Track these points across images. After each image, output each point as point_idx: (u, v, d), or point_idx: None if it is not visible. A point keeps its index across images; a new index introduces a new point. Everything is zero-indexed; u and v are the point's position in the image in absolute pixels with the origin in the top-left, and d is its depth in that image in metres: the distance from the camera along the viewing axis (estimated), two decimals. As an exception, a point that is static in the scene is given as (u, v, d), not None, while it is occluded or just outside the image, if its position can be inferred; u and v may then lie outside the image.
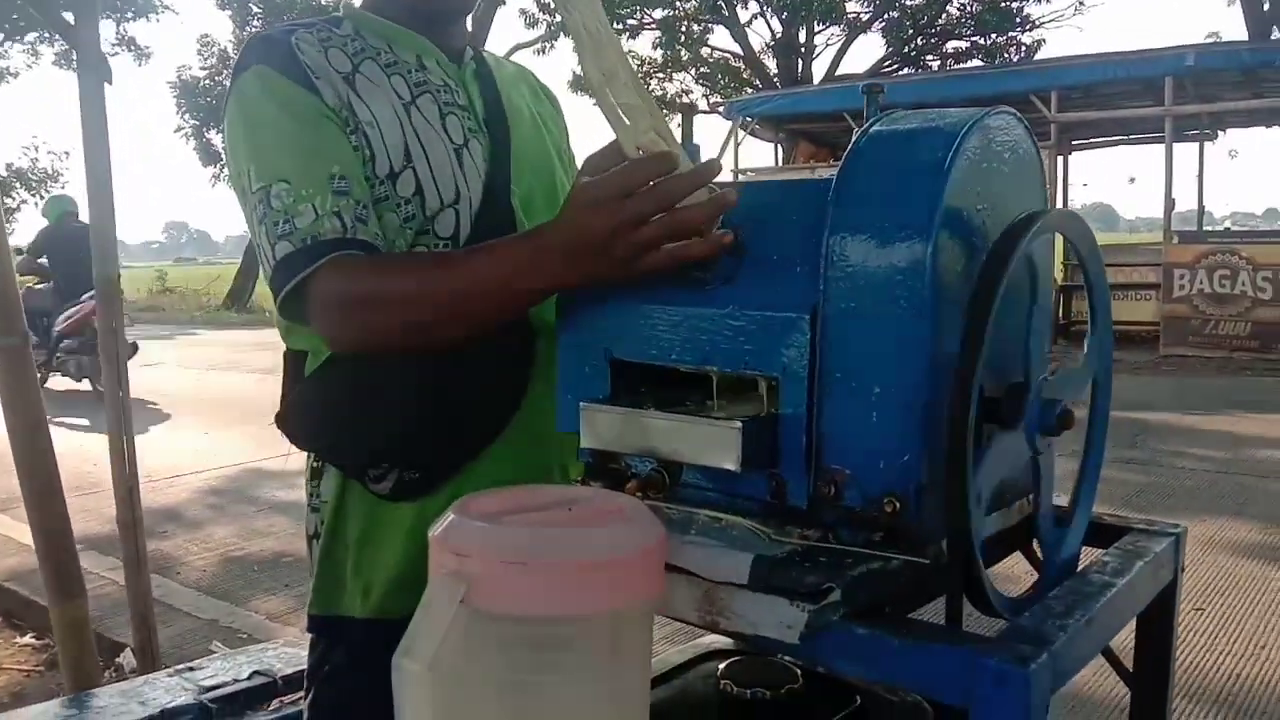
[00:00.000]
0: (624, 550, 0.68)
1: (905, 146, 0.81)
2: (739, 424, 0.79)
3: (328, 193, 1.02)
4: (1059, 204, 10.27)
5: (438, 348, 1.01)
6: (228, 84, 1.10)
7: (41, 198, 36.01)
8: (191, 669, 1.82)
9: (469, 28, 1.27)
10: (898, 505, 0.75)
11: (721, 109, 12.77)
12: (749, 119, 12.00)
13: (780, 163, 12.63)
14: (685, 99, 19.32)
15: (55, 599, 2.12)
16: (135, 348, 7.11)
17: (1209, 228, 14.11)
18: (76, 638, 2.12)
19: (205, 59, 21.46)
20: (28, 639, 3.66)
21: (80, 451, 5.64)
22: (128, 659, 3.13)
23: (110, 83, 2.42)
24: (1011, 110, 0.85)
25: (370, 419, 1.08)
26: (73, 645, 2.12)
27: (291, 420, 1.13)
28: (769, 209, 0.87)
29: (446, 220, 1.09)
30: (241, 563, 4.19)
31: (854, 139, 0.84)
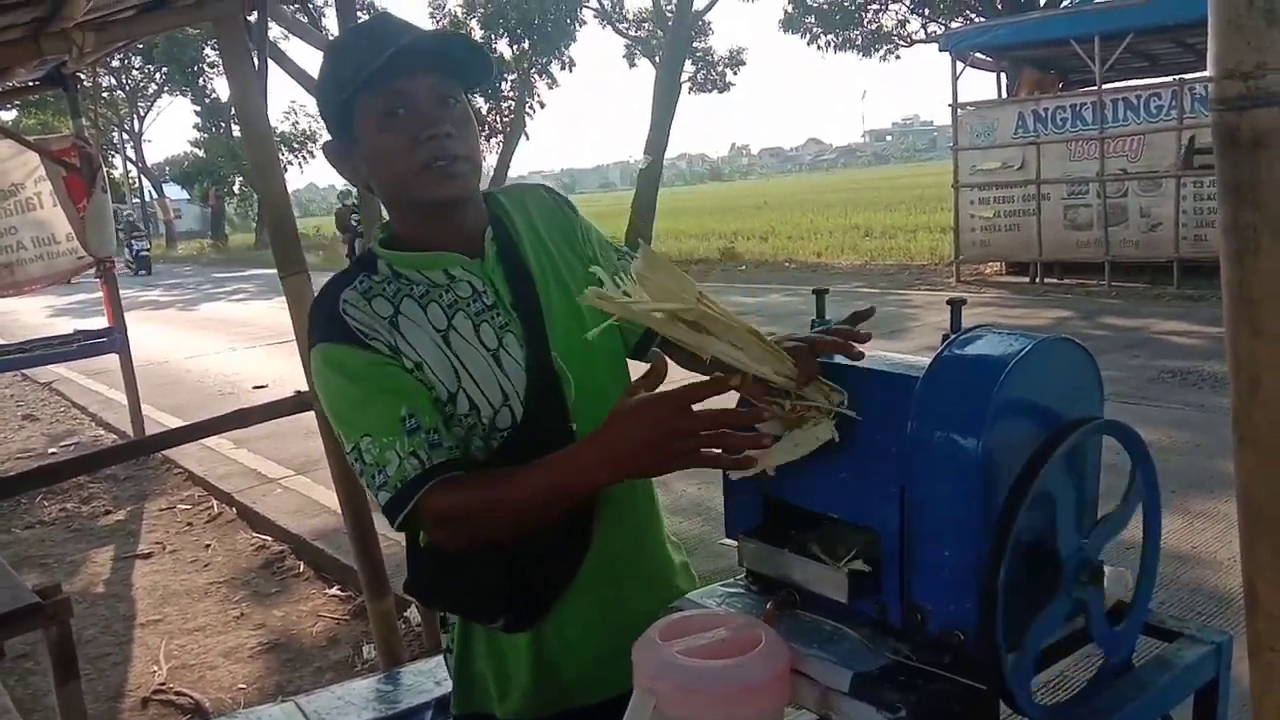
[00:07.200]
0: (761, 676, 1.02)
1: (969, 369, 1.07)
2: (846, 572, 1.11)
3: (403, 435, 1.23)
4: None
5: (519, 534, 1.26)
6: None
7: (304, 159, 39.14)
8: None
9: (482, 204, 1.41)
10: (962, 637, 1.05)
11: (939, 40, 12.23)
12: (969, 50, 11.51)
13: (1003, 93, 12.01)
14: (902, 29, 18.71)
15: (370, 597, 2.73)
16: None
17: None
18: (385, 624, 2.73)
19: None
20: (334, 590, 4.38)
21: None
22: (413, 614, 3.80)
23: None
24: (1069, 337, 1.10)
25: (470, 585, 1.35)
26: (382, 629, 2.74)
27: (415, 591, 1.45)
28: (876, 396, 1.16)
29: (503, 417, 1.32)
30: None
31: (937, 353, 1.11)
